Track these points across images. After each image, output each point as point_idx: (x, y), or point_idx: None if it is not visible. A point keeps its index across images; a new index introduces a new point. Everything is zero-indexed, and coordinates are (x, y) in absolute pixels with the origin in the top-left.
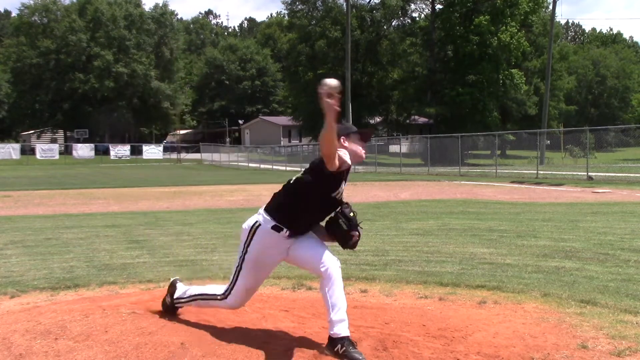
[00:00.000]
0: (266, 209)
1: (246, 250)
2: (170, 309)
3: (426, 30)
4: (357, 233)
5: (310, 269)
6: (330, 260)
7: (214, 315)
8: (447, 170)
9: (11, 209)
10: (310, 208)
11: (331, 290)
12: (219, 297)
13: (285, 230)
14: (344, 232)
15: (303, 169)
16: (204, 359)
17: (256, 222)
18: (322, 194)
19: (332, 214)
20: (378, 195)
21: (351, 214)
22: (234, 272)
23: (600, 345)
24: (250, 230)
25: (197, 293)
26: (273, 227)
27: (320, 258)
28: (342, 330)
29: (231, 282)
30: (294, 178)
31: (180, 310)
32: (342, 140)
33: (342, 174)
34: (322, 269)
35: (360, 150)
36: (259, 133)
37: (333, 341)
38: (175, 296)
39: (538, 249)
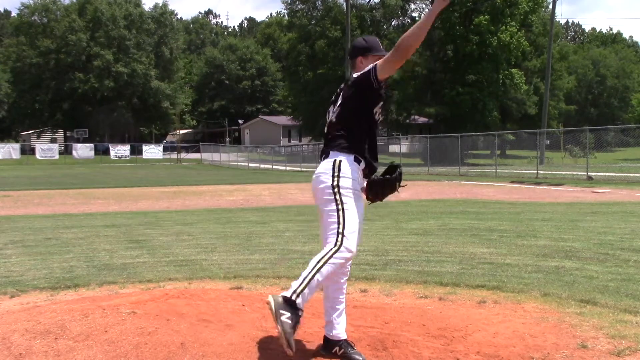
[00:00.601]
0: (336, 149)
1: (338, 185)
2: (293, 322)
3: None
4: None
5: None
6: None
7: (213, 315)
8: (447, 170)
9: (11, 209)
10: (365, 131)
11: (338, 290)
12: (333, 250)
13: (362, 161)
14: (389, 191)
15: (339, 105)
16: (204, 359)
17: (335, 159)
18: (370, 113)
19: (390, 177)
20: None
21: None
22: (336, 216)
23: (600, 344)
24: (334, 168)
25: (310, 271)
26: (355, 159)
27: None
28: (341, 332)
29: (339, 226)
30: (334, 115)
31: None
32: (358, 61)
33: (382, 88)
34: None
35: None
36: (259, 133)
37: (330, 343)
38: (299, 301)
39: (538, 249)
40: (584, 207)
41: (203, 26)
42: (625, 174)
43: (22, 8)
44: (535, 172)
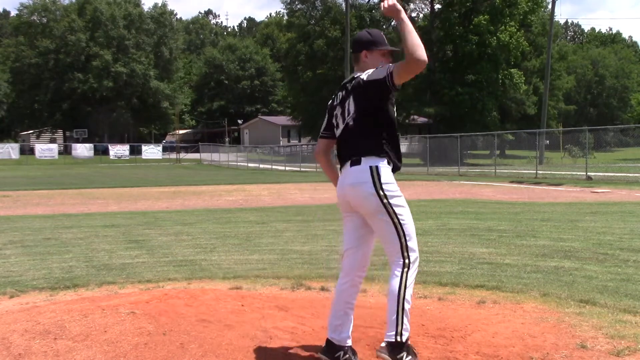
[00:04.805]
0: (366, 154)
1: (385, 195)
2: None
3: (425, 30)
4: None
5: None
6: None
7: (213, 315)
8: (447, 170)
9: (10, 209)
10: (386, 130)
11: (354, 295)
12: (406, 271)
13: (391, 163)
14: None
15: (353, 108)
16: (203, 359)
17: (370, 166)
18: (387, 110)
19: None
20: None
21: None
22: (394, 229)
23: (600, 344)
24: (373, 176)
25: (397, 305)
26: (388, 163)
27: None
28: (348, 338)
29: (401, 240)
30: (351, 118)
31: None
32: (363, 55)
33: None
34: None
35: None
36: (258, 133)
37: (335, 347)
38: (404, 338)
39: (537, 249)
40: (583, 207)
41: (203, 26)
42: (625, 174)
43: (21, 8)
44: (535, 172)
